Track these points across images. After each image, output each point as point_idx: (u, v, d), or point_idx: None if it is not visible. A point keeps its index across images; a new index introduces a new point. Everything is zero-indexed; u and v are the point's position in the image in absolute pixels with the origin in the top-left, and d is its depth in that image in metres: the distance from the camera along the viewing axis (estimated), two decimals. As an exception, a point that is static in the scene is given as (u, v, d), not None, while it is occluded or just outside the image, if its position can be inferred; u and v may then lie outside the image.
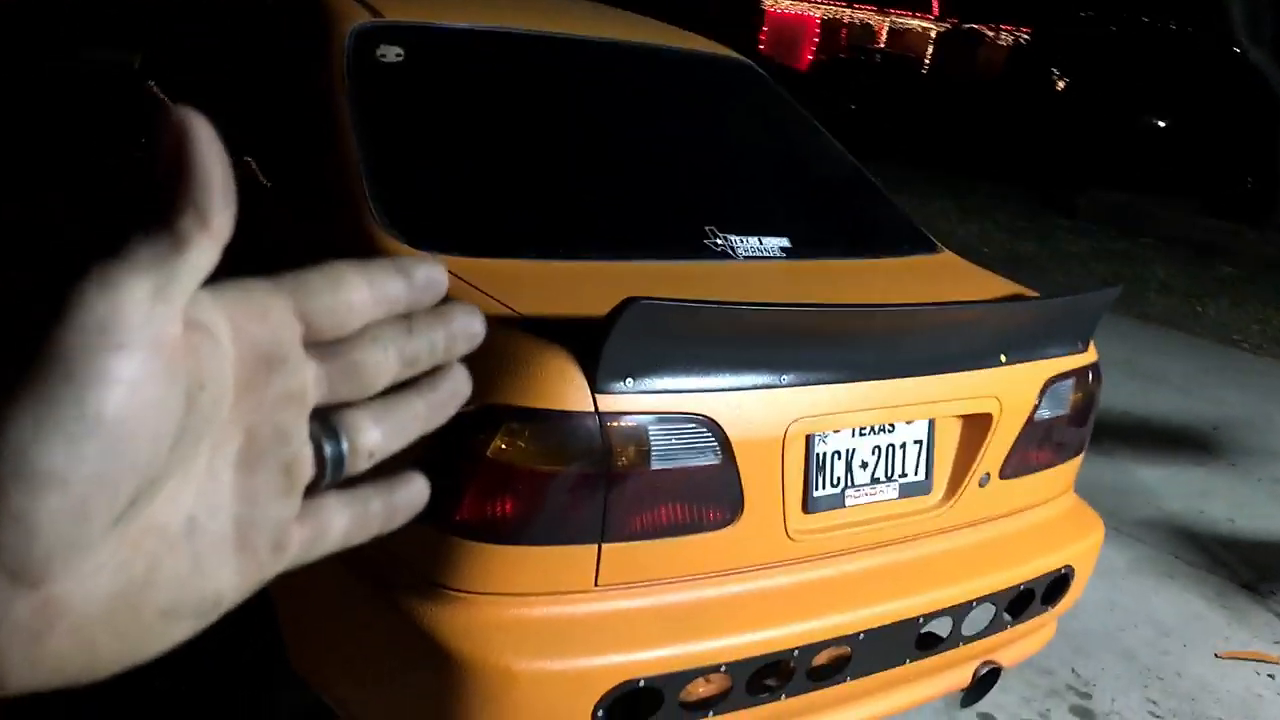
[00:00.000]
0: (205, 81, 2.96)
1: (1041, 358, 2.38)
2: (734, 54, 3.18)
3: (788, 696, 2.07)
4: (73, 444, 0.32)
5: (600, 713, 1.86)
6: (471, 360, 1.80)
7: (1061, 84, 29.53)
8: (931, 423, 2.27)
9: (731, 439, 1.94)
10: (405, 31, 2.54)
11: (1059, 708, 3.06)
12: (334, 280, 0.40)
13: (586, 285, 2.07)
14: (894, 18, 40.11)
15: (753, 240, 2.43)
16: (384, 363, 0.43)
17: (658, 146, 2.71)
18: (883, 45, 37.97)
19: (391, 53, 2.46)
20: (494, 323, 1.88)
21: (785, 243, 2.47)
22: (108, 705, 2.51)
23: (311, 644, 2.13)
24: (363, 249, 2.10)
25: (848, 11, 40.52)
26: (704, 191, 2.63)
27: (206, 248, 0.36)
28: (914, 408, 2.22)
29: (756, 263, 2.40)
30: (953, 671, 2.43)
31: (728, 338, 1.93)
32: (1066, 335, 2.44)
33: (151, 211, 0.35)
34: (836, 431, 2.12)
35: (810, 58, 34.77)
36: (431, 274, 0.43)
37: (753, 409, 1.97)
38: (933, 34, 39.57)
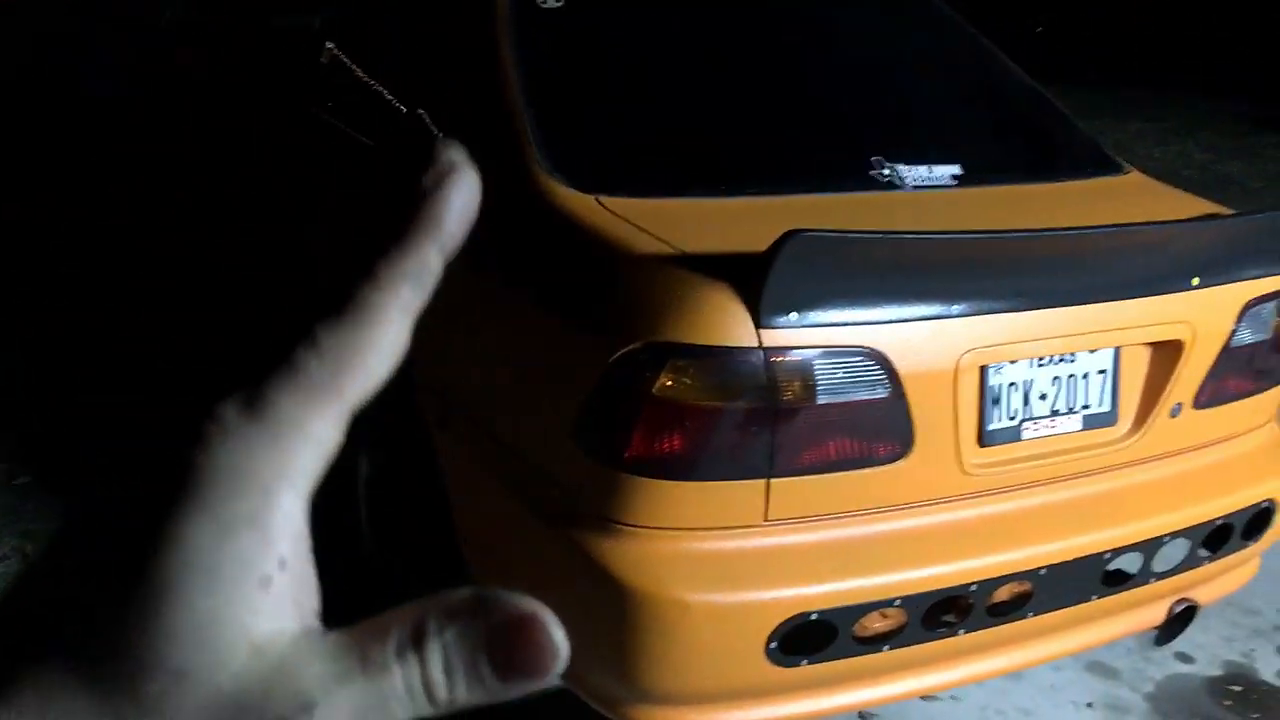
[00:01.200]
0: (378, 38, 3.07)
1: (1239, 279, 2.24)
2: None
3: (967, 632, 2.04)
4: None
5: (774, 644, 1.88)
6: (636, 299, 1.83)
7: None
8: (1117, 351, 2.17)
9: (900, 372, 1.91)
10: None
11: (1264, 649, 2.91)
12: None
13: (750, 221, 2.06)
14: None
15: (921, 169, 2.36)
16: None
17: (820, 76, 2.66)
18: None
19: (552, -1, 2.49)
20: (656, 261, 1.90)
21: (956, 170, 2.40)
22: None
23: (492, 572, 2.22)
24: (528, 193, 2.14)
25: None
26: (869, 120, 2.58)
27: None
28: (1097, 335, 2.13)
29: (925, 191, 2.33)
30: (1145, 609, 2.34)
31: (893, 268, 1.89)
32: (1268, 256, 2.29)
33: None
34: (1013, 362, 2.06)
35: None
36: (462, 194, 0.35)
37: (922, 341, 1.93)
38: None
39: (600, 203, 2.08)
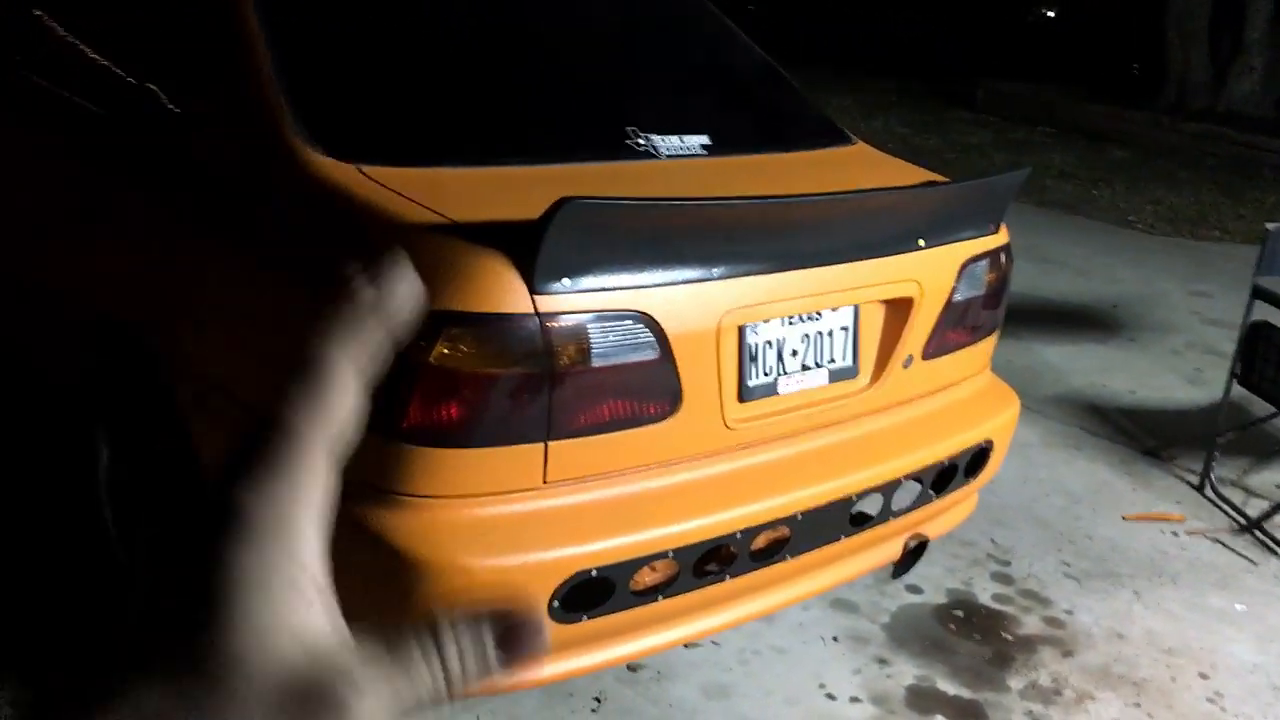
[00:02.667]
0: (98, 7, 2.87)
1: (957, 240, 2.46)
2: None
3: (732, 577, 2.16)
4: None
5: (556, 603, 1.93)
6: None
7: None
8: (856, 309, 2.34)
9: (668, 333, 2.00)
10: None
11: (981, 576, 3.23)
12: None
13: (515, 190, 2.09)
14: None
15: (674, 139, 2.45)
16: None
17: (577, 51, 2.71)
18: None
19: (299, -38, 2.41)
20: (427, 230, 1.90)
21: (705, 140, 2.51)
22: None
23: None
24: (286, 165, 2.08)
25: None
26: (624, 93, 2.64)
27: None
28: (839, 294, 2.29)
29: (679, 160, 2.43)
30: (884, 546, 2.55)
31: (658, 234, 1.97)
32: (980, 218, 2.53)
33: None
34: (767, 321, 2.19)
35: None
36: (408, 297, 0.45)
37: (687, 303, 2.02)
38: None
39: (362, 172, 2.05)
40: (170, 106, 2.41)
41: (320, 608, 0.39)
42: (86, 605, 2.63)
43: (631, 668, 2.64)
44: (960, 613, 3.04)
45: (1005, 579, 3.23)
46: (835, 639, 2.87)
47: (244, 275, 2.11)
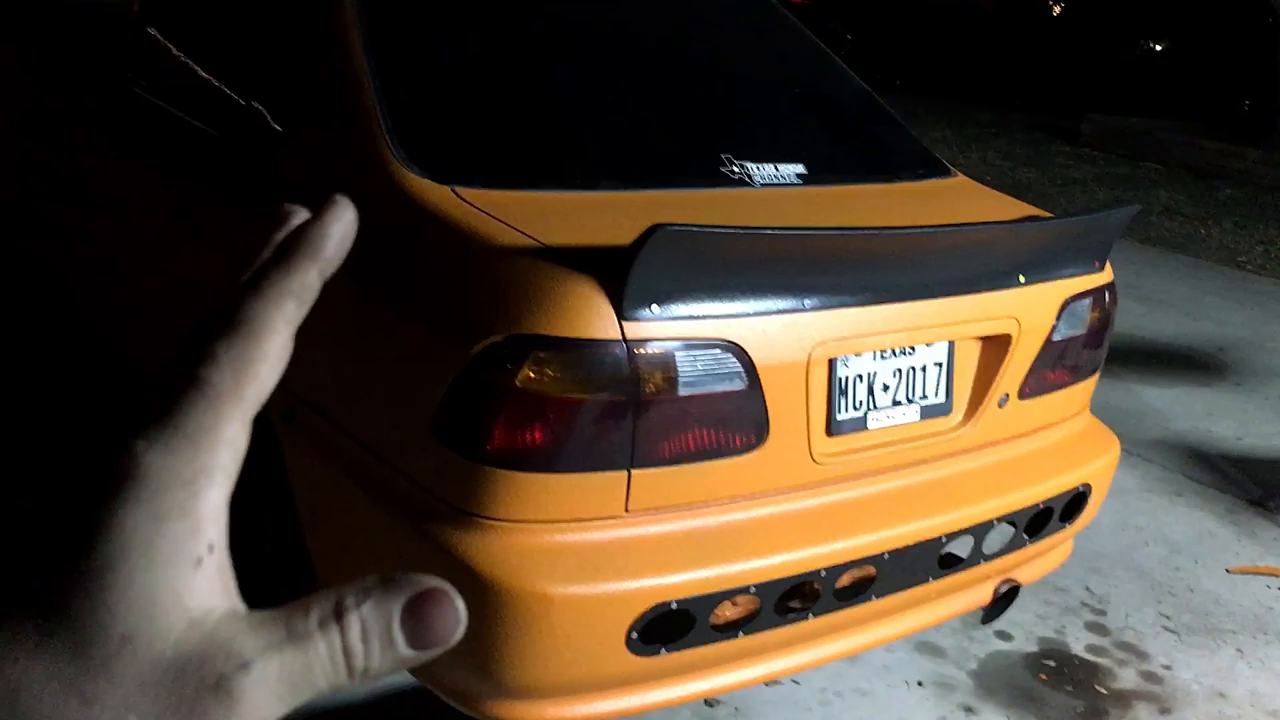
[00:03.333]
0: (209, 26, 2.94)
1: (1059, 278, 2.39)
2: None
3: (815, 616, 2.11)
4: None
5: (635, 635, 1.90)
6: (497, 291, 1.82)
7: (1057, 9, 29.17)
8: (951, 344, 2.28)
9: (757, 364, 1.96)
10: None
11: (1074, 624, 3.11)
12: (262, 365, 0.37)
13: (608, 215, 2.08)
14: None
15: (769, 167, 2.43)
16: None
17: (672, 77, 2.70)
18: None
19: (402, -15, 2.44)
20: (517, 253, 1.89)
21: (801, 169, 2.47)
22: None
23: (343, 577, 2.16)
24: (384, 186, 2.10)
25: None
26: (719, 120, 2.62)
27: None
28: (933, 329, 2.23)
29: (773, 189, 2.40)
30: (974, 589, 2.47)
31: (750, 263, 1.94)
32: (1083, 255, 2.45)
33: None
34: (858, 355, 2.14)
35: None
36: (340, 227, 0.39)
37: (776, 334, 1.99)
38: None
39: (456, 193, 2.05)
40: (274, 125, 2.45)
41: (214, 578, 0.35)
42: None
43: (709, 703, 2.59)
44: (1052, 662, 2.94)
45: (1100, 629, 3.11)
46: (920, 684, 2.79)
47: (341, 296, 2.13)
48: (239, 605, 0.36)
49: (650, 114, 2.55)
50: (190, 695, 0.33)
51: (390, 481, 1.99)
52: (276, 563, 2.36)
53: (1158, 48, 22.18)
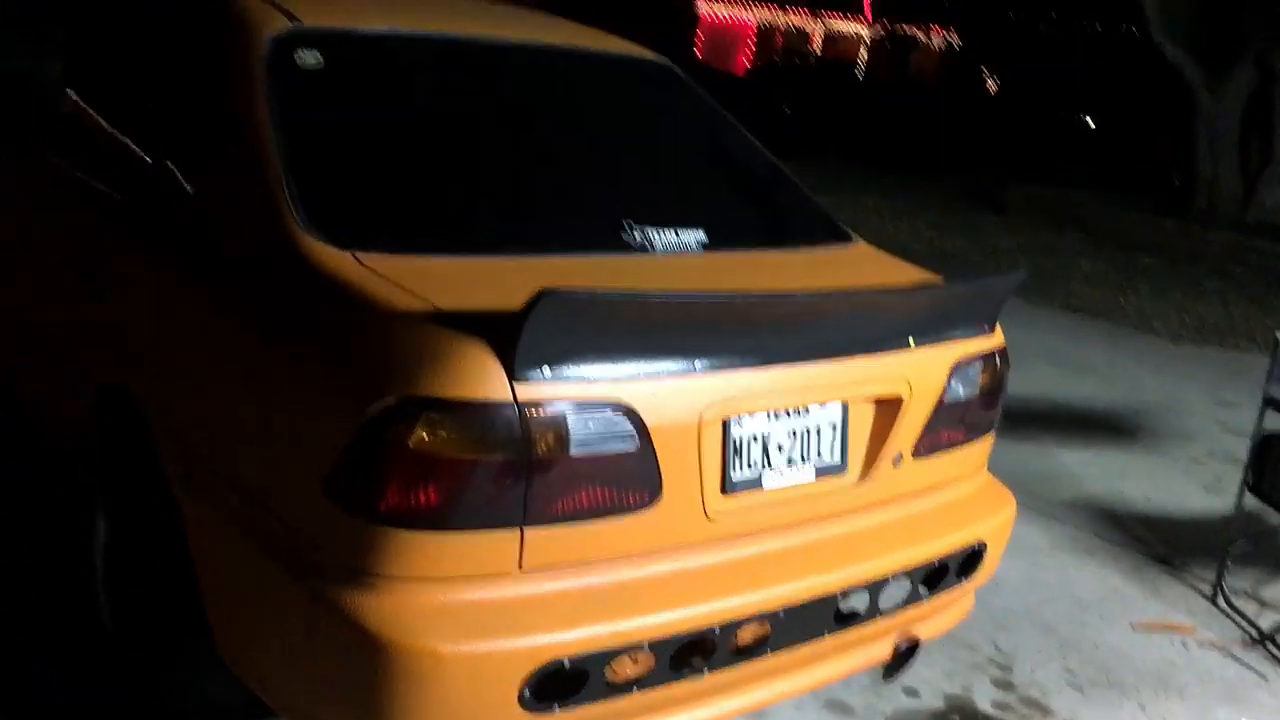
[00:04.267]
0: (126, 88, 2.98)
1: (948, 340, 2.47)
2: (651, 54, 3.26)
3: (711, 671, 2.14)
4: None
5: (527, 692, 1.92)
6: (391, 353, 1.86)
7: (993, 84, 30.08)
8: (845, 405, 2.35)
9: (649, 425, 2.01)
10: (323, 38, 2.58)
11: (981, 680, 3.17)
12: None
13: (504, 280, 2.12)
14: (828, 20, 40.45)
15: (670, 234, 2.50)
16: None
17: (574, 145, 2.78)
18: (817, 51, 38.28)
19: (310, 58, 2.50)
20: (413, 317, 1.94)
21: (702, 236, 2.55)
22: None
23: (237, 632, 2.16)
24: (285, 248, 2.14)
25: (783, 17, 40.80)
26: (621, 188, 2.70)
27: None
28: (827, 390, 2.30)
29: (674, 256, 2.47)
30: (873, 645, 2.51)
31: (641, 326, 1.99)
32: (972, 319, 2.54)
33: None
34: (752, 415, 2.20)
35: (747, 64, 34.91)
36: None
37: (668, 395, 2.04)
38: (866, 38, 40.00)
39: (357, 258, 2.10)
40: (185, 186, 2.49)
41: None
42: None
43: (616, 763, 2.60)
44: (957, 718, 2.98)
45: (1006, 685, 3.17)
46: (827, 741, 2.82)
47: (238, 356, 2.16)
48: None
49: (551, 183, 2.61)
50: None
51: (286, 542, 2.00)
52: (170, 617, 2.36)
53: (1089, 120, 22.93)
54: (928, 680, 3.10)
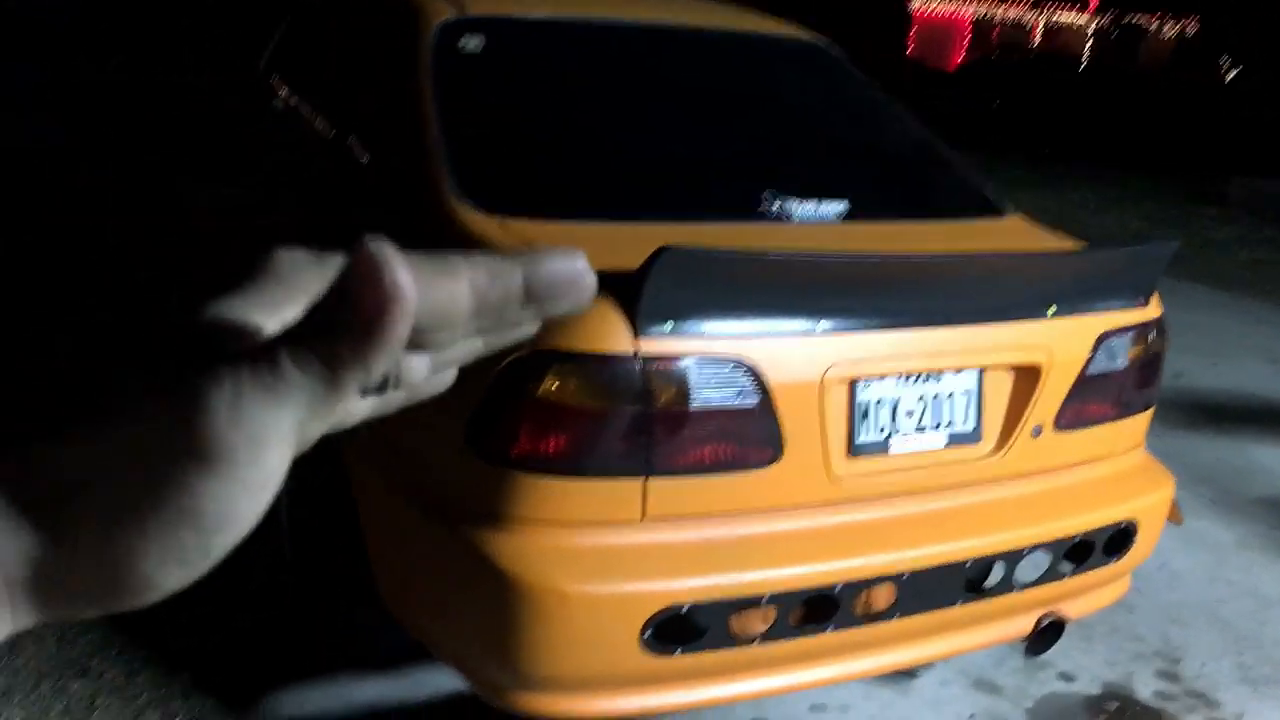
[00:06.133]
0: (316, 77, 3.26)
1: (1094, 311, 2.42)
2: (807, 35, 3.30)
3: (835, 630, 2.18)
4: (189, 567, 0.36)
5: (648, 634, 2.02)
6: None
7: (1232, 72, 28.29)
8: (981, 372, 2.34)
9: (769, 382, 2.07)
10: (486, 24, 2.75)
11: (1144, 670, 3.06)
12: (442, 283, 0.37)
13: (640, 244, 2.22)
14: (1049, 12, 38.95)
15: (810, 204, 2.54)
16: (467, 347, 0.40)
17: (720, 120, 2.86)
18: (1037, 43, 36.94)
19: (473, 43, 2.68)
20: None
21: (842, 207, 2.58)
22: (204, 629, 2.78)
23: (394, 577, 2.34)
24: (440, 214, 2.31)
25: (1001, 10, 39.53)
26: (764, 161, 2.76)
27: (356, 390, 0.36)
28: (961, 356, 2.30)
29: (811, 225, 2.52)
30: (1012, 619, 2.48)
31: (762, 285, 2.06)
32: (1123, 289, 2.48)
33: (313, 342, 0.35)
34: (880, 378, 2.22)
35: (960, 60, 33.95)
36: (563, 270, 0.38)
37: (790, 354, 2.10)
38: (1090, 29, 38.32)
39: (502, 224, 2.25)
40: (361, 159, 2.71)
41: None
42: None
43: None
44: (1114, 704, 2.90)
45: (1172, 676, 3.05)
46: (971, 717, 2.80)
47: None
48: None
49: (694, 156, 2.70)
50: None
51: (433, 489, 2.16)
52: (342, 563, 2.57)
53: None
54: (1086, 667, 3.02)
